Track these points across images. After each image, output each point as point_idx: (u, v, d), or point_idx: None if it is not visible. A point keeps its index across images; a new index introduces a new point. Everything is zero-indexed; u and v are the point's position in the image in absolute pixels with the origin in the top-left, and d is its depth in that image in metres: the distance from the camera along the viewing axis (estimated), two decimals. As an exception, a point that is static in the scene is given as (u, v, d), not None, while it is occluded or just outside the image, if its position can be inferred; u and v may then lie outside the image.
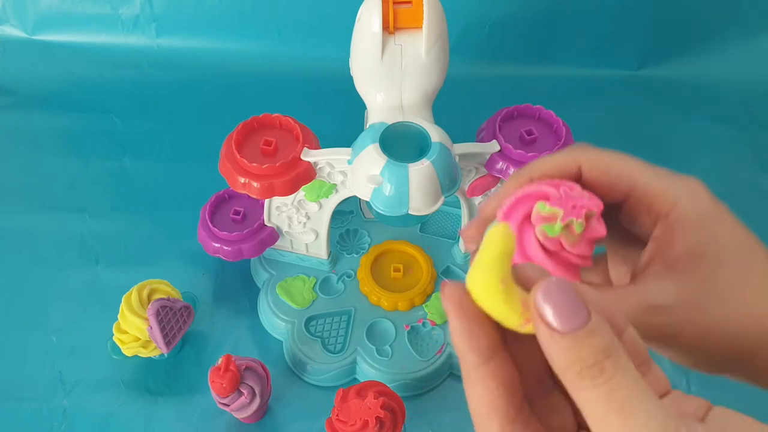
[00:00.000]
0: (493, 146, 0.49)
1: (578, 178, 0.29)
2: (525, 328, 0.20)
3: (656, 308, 0.26)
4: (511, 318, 0.20)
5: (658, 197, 0.28)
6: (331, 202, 0.53)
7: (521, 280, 0.21)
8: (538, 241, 0.26)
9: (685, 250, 0.27)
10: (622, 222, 0.30)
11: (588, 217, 0.26)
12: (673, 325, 0.26)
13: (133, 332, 0.51)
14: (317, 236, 0.56)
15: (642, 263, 0.29)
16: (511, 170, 0.49)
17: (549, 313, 0.19)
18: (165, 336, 0.50)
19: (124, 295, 0.51)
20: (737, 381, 0.29)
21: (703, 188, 0.29)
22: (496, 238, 0.20)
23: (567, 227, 0.26)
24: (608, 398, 0.19)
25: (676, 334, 0.26)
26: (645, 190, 0.28)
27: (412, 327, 0.55)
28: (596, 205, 0.26)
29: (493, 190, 0.53)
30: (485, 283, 0.20)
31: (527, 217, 0.26)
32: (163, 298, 0.50)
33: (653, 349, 0.28)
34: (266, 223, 0.55)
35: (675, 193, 0.28)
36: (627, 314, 0.25)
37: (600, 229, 0.26)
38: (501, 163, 0.49)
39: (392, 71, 0.47)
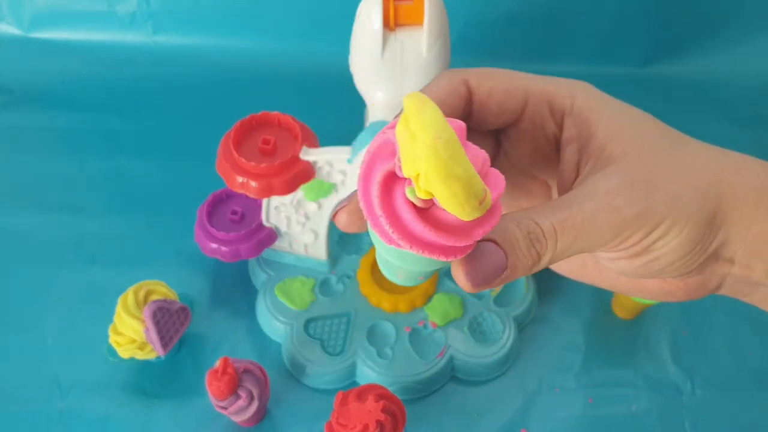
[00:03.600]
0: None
1: (468, 100, 0.27)
2: None
3: (610, 194, 0.24)
4: None
5: (556, 94, 0.27)
6: (331, 202, 0.52)
7: None
8: (409, 202, 0.21)
9: (607, 135, 0.26)
10: (523, 139, 0.29)
11: None
12: (635, 205, 0.24)
13: (130, 334, 0.50)
14: (316, 237, 0.55)
15: (568, 168, 0.27)
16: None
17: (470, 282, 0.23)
18: (162, 338, 0.50)
19: (120, 297, 0.51)
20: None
21: (588, 83, 0.28)
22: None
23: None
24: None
25: (644, 212, 0.24)
26: (541, 90, 0.27)
27: (413, 329, 0.54)
28: (458, 127, 0.21)
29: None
30: None
31: (391, 176, 0.21)
32: (159, 300, 0.50)
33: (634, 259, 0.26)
34: (264, 223, 0.55)
35: (569, 87, 0.28)
36: (588, 205, 0.24)
37: (501, 180, 0.21)
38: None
39: (393, 69, 0.47)
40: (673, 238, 0.25)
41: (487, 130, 0.29)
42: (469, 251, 0.22)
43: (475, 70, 0.27)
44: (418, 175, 0.19)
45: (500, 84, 0.27)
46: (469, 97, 0.27)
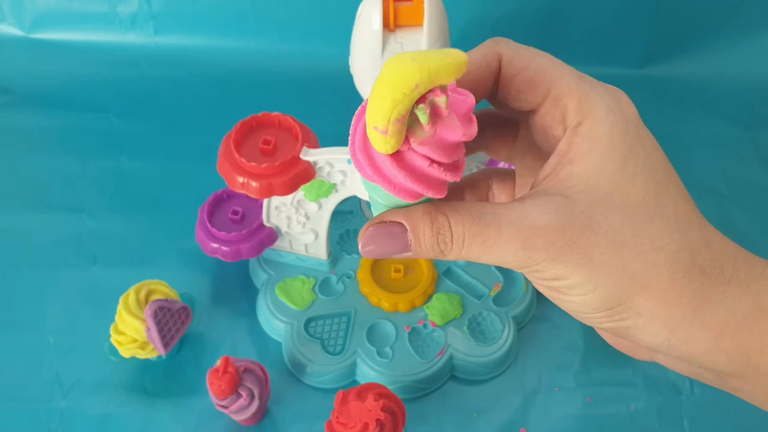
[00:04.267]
0: (495, 145, 0.49)
1: (497, 75, 0.27)
2: None
3: (532, 228, 0.24)
4: None
5: (575, 103, 0.26)
6: (331, 202, 0.52)
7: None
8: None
9: (583, 170, 0.25)
10: (534, 135, 0.28)
11: (436, 105, 0.22)
12: (549, 250, 0.24)
13: (131, 333, 0.50)
14: (317, 236, 0.55)
15: (539, 178, 0.26)
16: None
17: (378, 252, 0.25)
18: (163, 337, 0.50)
19: (122, 296, 0.51)
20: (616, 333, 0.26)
21: (628, 103, 0.26)
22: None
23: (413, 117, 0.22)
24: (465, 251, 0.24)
25: (554, 260, 0.24)
26: (565, 91, 0.26)
27: (412, 328, 0.55)
28: (464, 101, 0.23)
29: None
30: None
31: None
32: (160, 299, 0.50)
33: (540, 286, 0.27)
34: (265, 223, 0.55)
35: (593, 101, 0.25)
36: (507, 231, 0.24)
37: (452, 127, 0.22)
38: (502, 162, 0.49)
39: (393, 69, 0.47)
40: (577, 295, 0.25)
41: (510, 107, 0.28)
42: (424, 197, 0.24)
43: (517, 48, 0.27)
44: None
45: (529, 71, 0.26)
46: (498, 73, 0.27)
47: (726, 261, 0.25)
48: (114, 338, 0.51)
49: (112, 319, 0.51)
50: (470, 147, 0.30)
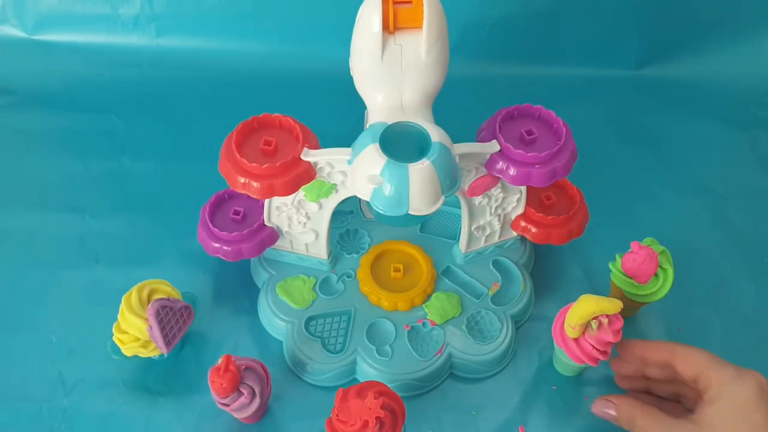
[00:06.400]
0: (493, 146, 0.49)
1: (670, 367, 0.48)
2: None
3: None
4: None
5: (710, 384, 0.44)
6: (331, 202, 0.53)
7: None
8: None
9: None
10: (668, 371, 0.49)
11: (601, 322, 0.48)
12: None
13: (133, 332, 0.51)
14: (317, 236, 0.56)
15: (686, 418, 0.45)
16: (512, 170, 0.49)
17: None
18: (165, 336, 0.50)
19: (124, 295, 0.51)
20: None
21: (756, 382, 0.43)
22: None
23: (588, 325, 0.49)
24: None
25: None
26: (710, 377, 0.44)
27: (412, 327, 0.55)
28: (615, 327, 0.48)
29: (493, 190, 0.53)
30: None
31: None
32: (163, 298, 0.50)
33: None
34: (266, 223, 0.55)
35: (725, 380, 0.43)
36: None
37: (608, 334, 0.48)
38: (501, 163, 0.49)
39: (392, 71, 0.47)
40: None
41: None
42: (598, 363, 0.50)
43: (685, 352, 0.47)
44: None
45: (692, 372, 0.46)
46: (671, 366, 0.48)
47: None
48: (116, 337, 0.51)
49: (115, 318, 0.51)
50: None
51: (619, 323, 0.48)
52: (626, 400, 0.48)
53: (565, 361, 0.52)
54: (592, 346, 0.49)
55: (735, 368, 0.44)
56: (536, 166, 0.49)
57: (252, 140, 0.50)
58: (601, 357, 0.49)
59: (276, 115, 0.50)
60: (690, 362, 0.45)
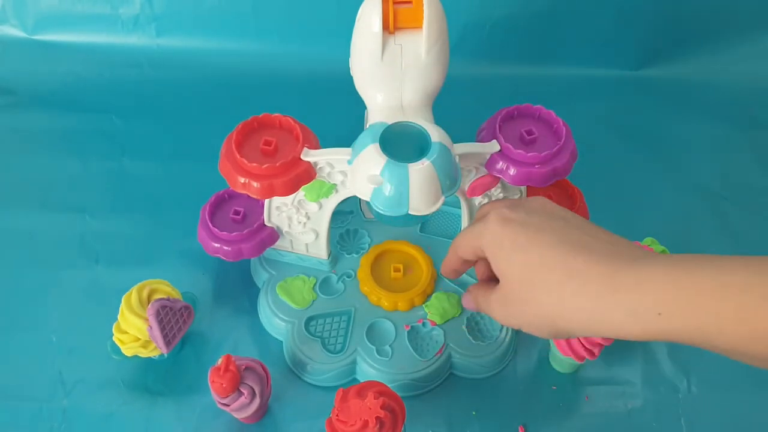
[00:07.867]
0: (493, 146, 0.49)
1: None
2: None
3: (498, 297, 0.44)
4: None
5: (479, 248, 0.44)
6: (331, 202, 0.53)
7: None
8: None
9: (496, 273, 0.43)
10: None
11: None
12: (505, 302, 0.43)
13: (133, 332, 0.51)
14: (317, 236, 0.56)
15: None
16: (512, 170, 0.49)
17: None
18: (165, 336, 0.50)
19: (124, 295, 0.51)
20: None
21: (495, 221, 0.42)
22: None
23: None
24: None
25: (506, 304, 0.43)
26: (480, 246, 0.44)
27: (412, 327, 0.55)
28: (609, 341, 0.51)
29: (493, 190, 0.53)
30: None
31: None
32: (163, 298, 0.50)
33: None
34: (266, 223, 0.55)
35: (480, 242, 0.44)
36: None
37: (601, 344, 0.51)
38: (501, 163, 0.49)
39: (392, 71, 0.47)
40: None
41: None
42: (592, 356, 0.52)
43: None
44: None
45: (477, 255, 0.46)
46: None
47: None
48: (116, 337, 0.51)
49: (115, 318, 0.51)
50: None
51: (605, 343, 0.50)
52: (471, 286, 0.48)
53: (559, 356, 0.53)
54: (581, 344, 0.50)
55: (478, 220, 0.44)
56: (536, 166, 0.49)
57: (252, 140, 0.50)
58: (587, 356, 0.50)
59: (276, 115, 0.50)
60: (462, 249, 0.46)
